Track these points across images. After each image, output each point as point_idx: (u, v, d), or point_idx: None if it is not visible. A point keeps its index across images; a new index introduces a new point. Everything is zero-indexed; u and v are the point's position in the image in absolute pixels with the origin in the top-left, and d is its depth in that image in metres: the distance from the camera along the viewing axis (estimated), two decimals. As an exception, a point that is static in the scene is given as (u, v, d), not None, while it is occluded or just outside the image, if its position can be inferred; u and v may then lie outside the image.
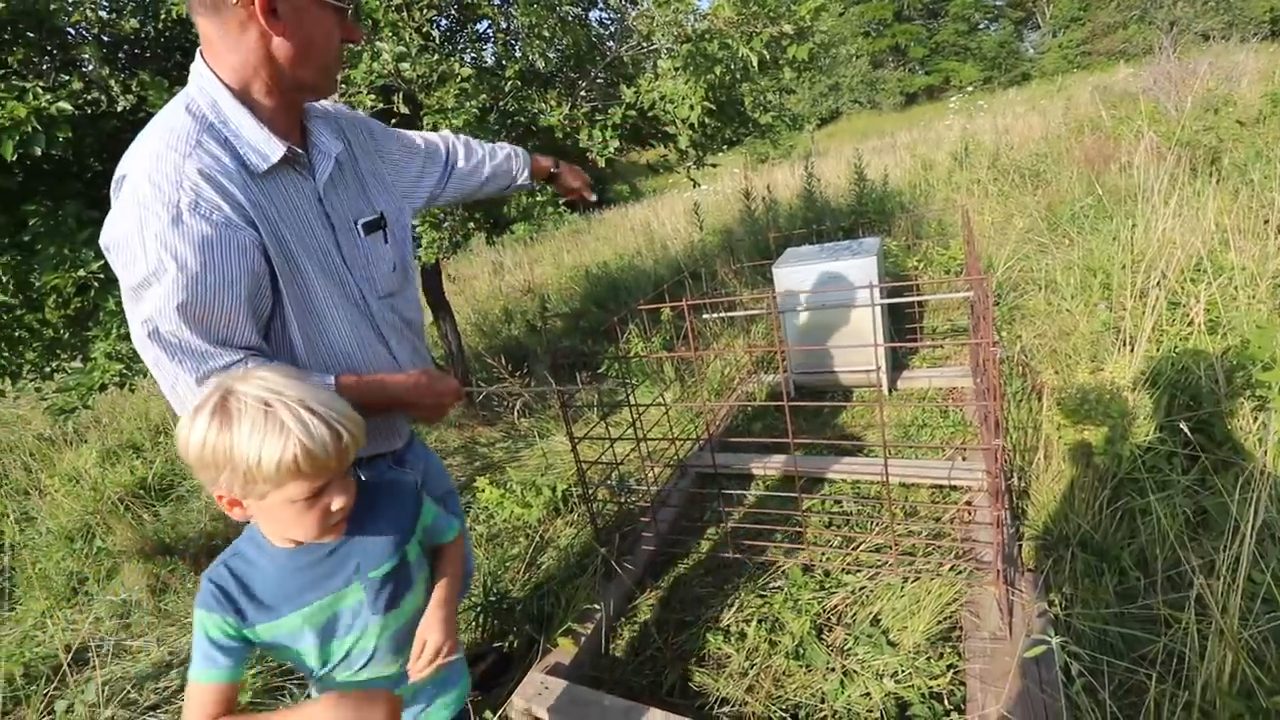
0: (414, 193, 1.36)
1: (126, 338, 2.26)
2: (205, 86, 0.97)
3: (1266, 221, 3.26)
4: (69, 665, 2.11)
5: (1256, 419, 2.09)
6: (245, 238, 0.94)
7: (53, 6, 2.10)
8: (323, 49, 1.00)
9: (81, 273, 2.08)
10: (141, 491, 3.68)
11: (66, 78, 2.24)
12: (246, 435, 0.79)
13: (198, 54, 0.98)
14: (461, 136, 1.49)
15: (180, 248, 0.88)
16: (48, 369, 2.60)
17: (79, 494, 3.63)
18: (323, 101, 1.19)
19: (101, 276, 2.12)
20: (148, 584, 2.75)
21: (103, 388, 2.35)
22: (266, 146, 0.98)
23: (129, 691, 2.09)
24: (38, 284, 2.16)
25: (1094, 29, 32.53)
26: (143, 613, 2.59)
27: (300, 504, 0.87)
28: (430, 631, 1.04)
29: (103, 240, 0.93)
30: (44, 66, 2.25)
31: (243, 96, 0.98)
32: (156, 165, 0.90)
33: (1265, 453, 1.92)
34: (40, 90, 1.93)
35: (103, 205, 2.39)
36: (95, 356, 2.31)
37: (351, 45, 1.12)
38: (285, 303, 1.01)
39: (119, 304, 2.18)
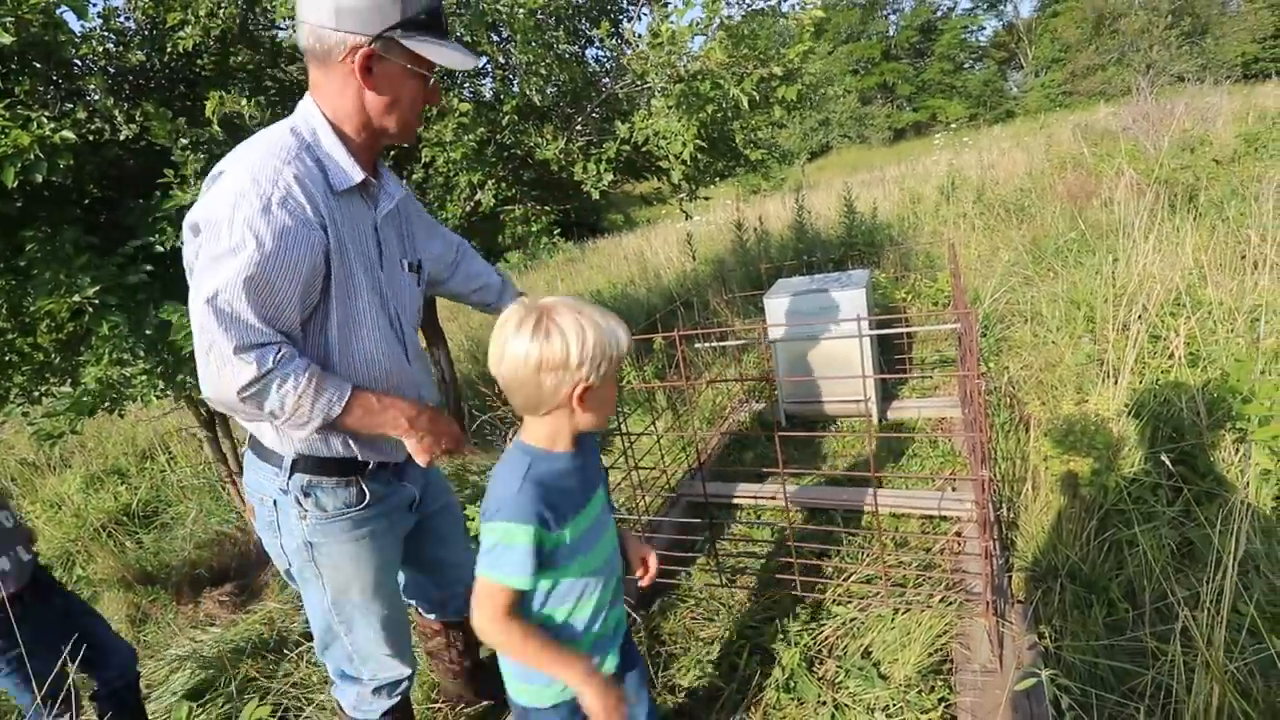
0: (435, 258, 1.53)
1: (118, 363, 2.26)
2: (309, 117, 1.16)
3: (1243, 257, 3.35)
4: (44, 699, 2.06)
5: (1238, 450, 2.12)
6: (316, 238, 1.09)
7: (61, 39, 2.15)
8: (405, 107, 1.19)
9: (76, 298, 2.08)
10: (125, 518, 3.63)
11: (71, 107, 2.28)
12: (603, 323, 0.97)
13: (308, 92, 1.19)
14: (474, 250, 1.66)
15: (263, 231, 1.02)
16: (36, 393, 2.58)
17: (61, 520, 3.57)
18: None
19: (96, 302, 2.12)
20: (128, 614, 2.70)
21: (91, 412, 2.34)
22: (350, 171, 1.16)
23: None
24: (31, 308, 2.17)
25: (1074, 70, 33.61)
26: (122, 643, 2.54)
27: (613, 384, 1.04)
28: (644, 551, 1.29)
29: (190, 219, 1.08)
30: (49, 96, 2.29)
31: (337, 130, 1.17)
32: (259, 165, 1.06)
33: (1246, 484, 1.95)
34: (45, 120, 1.96)
35: (99, 231, 2.40)
36: (85, 381, 2.30)
37: (432, 106, 1.32)
38: (332, 304, 1.15)
39: (113, 329, 2.19)
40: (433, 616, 1.71)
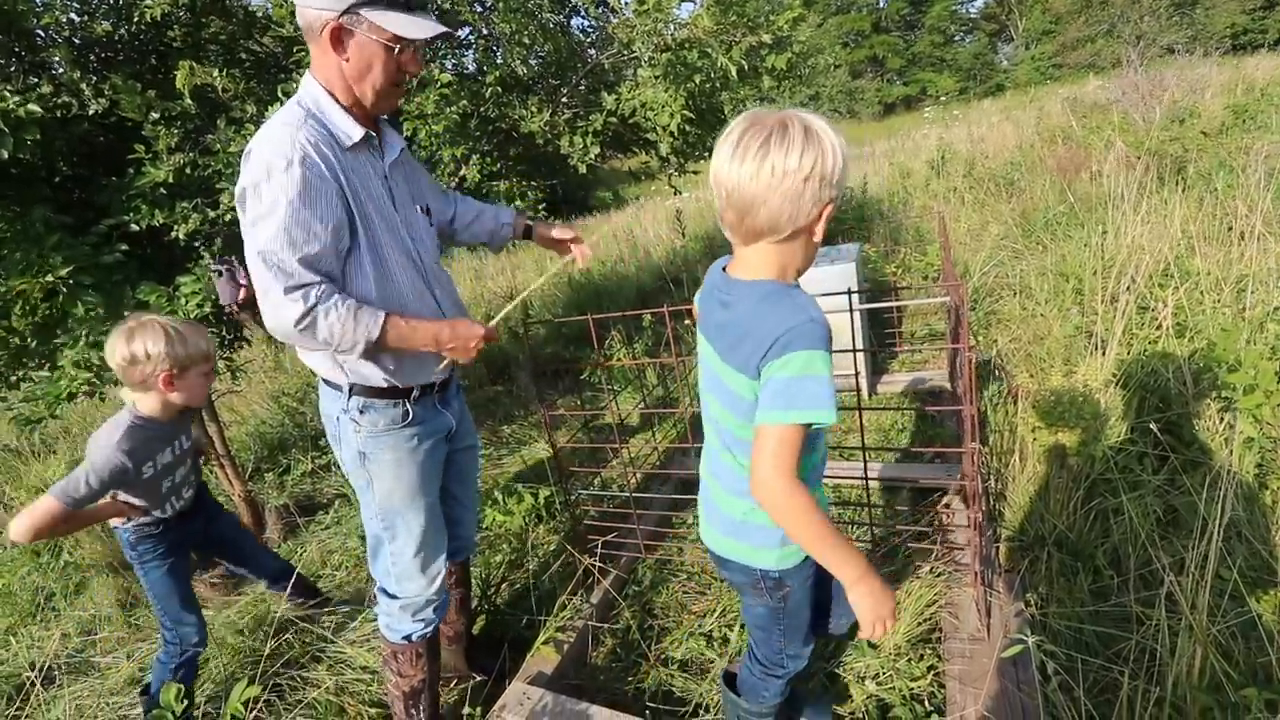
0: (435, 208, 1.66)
1: (95, 345, 2.21)
2: (309, 89, 1.33)
3: (1230, 228, 3.36)
4: (35, 684, 2.05)
5: (1223, 419, 2.15)
6: (332, 190, 1.26)
7: (21, 8, 2.06)
8: (378, 75, 1.31)
9: (49, 278, 2.03)
10: (112, 503, 3.59)
11: (36, 80, 2.20)
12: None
13: (308, 69, 1.36)
14: (458, 194, 1.79)
15: (290, 189, 1.20)
16: (13, 378, 2.53)
17: (46, 506, 3.53)
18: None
19: (70, 282, 2.07)
20: (117, 599, 2.68)
21: (70, 397, 2.29)
22: (351, 129, 1.33)
23: (97, 710, 2.03)
24: (3, 290, 2.11)
25: (1064, 42, 33.38)
26: (112, 628, 2.53)
27: None
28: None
29: (237, 193, 1.25)
30: (12, 69, 2.20)
31: (333, 96, 1.33)
32: (277, 136, 1.23)
33: (1231, 452, 1.97)
34: (8, 93, 1.88)
35: (72, 210, 2.34)
36: (63, 365, 2.25)
37: (410, 75, 1.37)
38: (361, 246, 1.33)
39: (88, 311, 2.13)
40: None
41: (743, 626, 1.88)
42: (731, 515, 1.12)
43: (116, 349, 1.53)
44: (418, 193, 1.54)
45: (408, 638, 1.57)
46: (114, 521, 1.72)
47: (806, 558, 1.11)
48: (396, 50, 1.29)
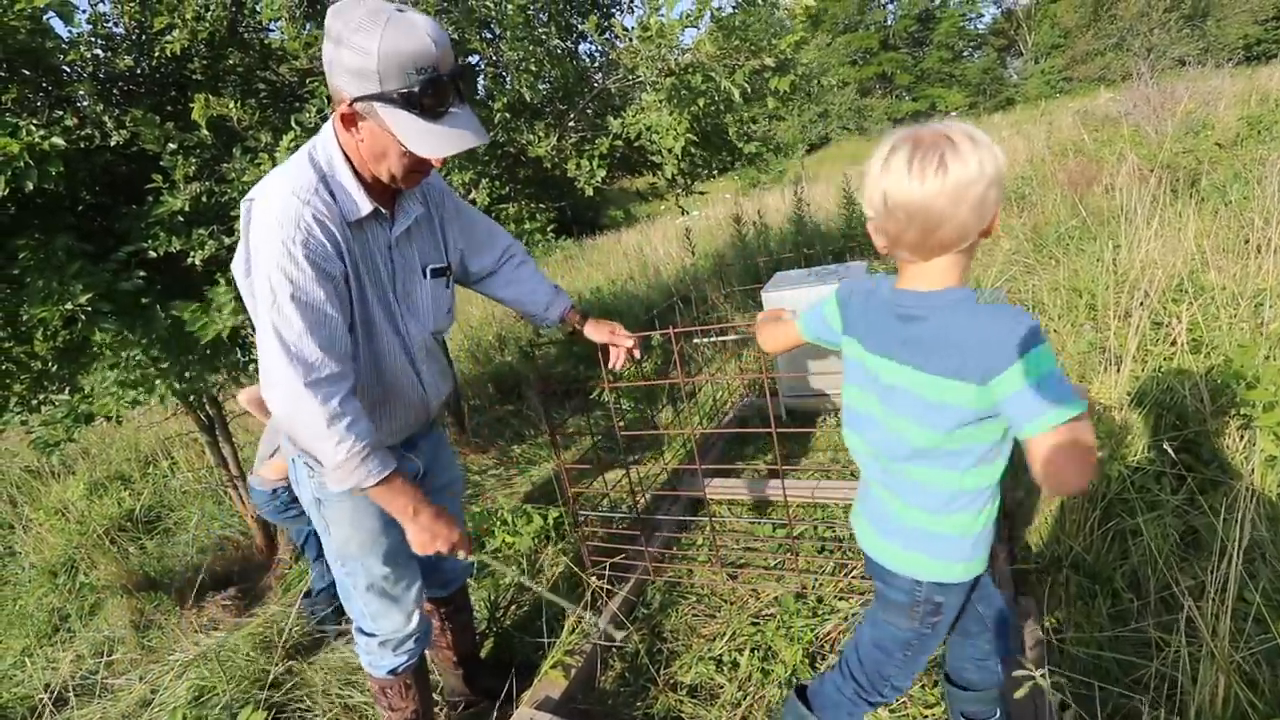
0: (474, 259, 1.59)
1: (114, 365, 2.26)
2: (327, 145, 1.23)
3: (1246, 241, 3.31)
4: (47, 706, 2.07)
5: (1242, 437, 2.10)
6: (336, 269, 1.19)
7: (49, 45, 2.14)
8: (393, 163, 1.20)
9: (69, 305, 2.08)
10: (128, 524, 3.64)
11: (60, 114, 2.27)
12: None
13: (331, 117, 1.24)
14: (528, 256, 1.69)
15: (294, 272, 1.12)
16: (35, 401, 2.58)
17: (64, 527, 3.58)
18: None
19: (89, 310, 2.12)
20: (131, 620, 2.70)
21: (89, 419, 2.34)
22: (360, 203, 1.23)
23: (108, 732, 2.04)
24: (25, 316, 2.16)
25: (1074, 56, 33.38)
26: (126, 650, 2.54)
27: None
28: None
29: (236, 261, 1.22)
30: (38, 103, 2.28)
31: (349, 162, 1.23)
32: (283, 207, 1.14)
33: (1251, 471, 1.93)
34: (34, 127, 1.95)
35: (93, 238, 2.40)
36: (87, 388, 2.30)
37: (427, 169, 1.27)
38: (356, 324, 1.26)
39: (114, 336, 2.18)
40: (428, 593, 1.72)
41: (753, 650, 1.85)
42: (919, 527, 1.12)
43: None
44: (438, 252, 1.45)
45: (393, 671, 1.55)
46: (267, 479, 2.07)
47: (977, 576, 1.14)
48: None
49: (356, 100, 1.12)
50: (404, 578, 1.50)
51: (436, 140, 1.13)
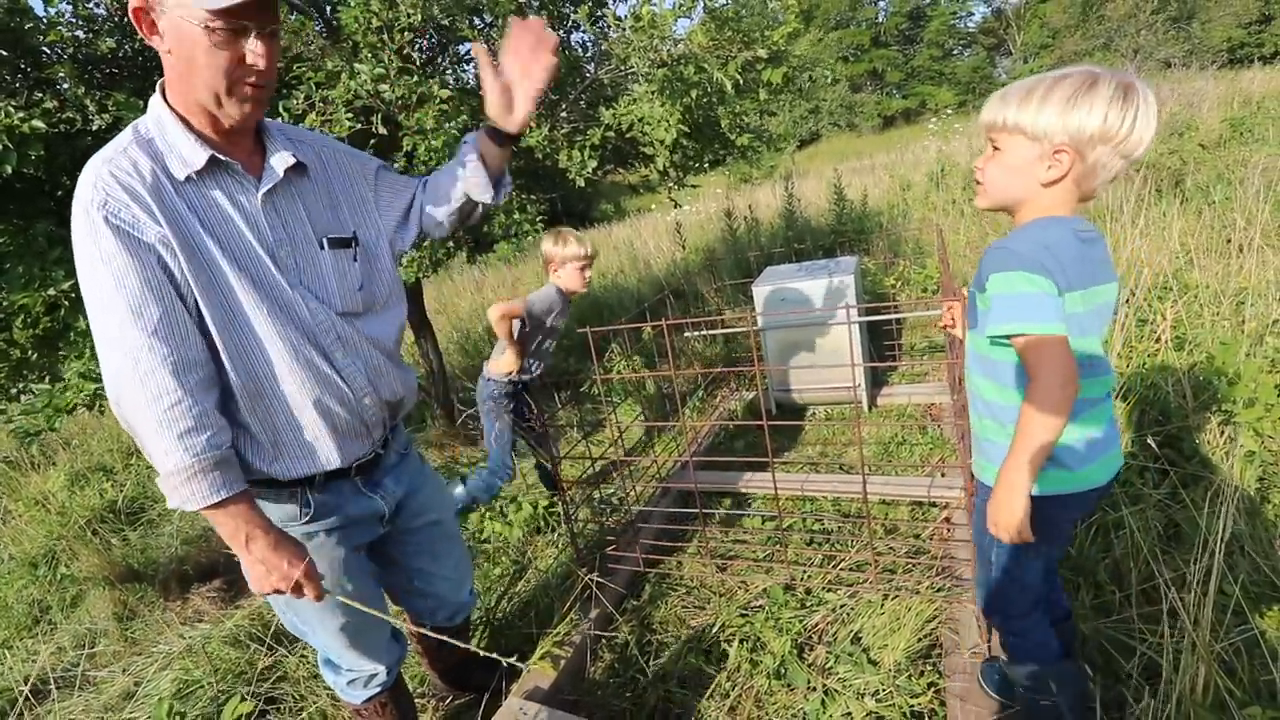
0: (394, 223, 1.33)
1: (79, 356, 2.22)
2: (154, 105, 1.07)
3: (1228, 241, 3.36)
4: (27, 698, 2.04)
5: (1223, 433, 2.14)
6: (149, 233, 0.99)
7: (27, 26, 2.09)
8: (204, 70, 0.98)
9: (51, 291, 2.04)
10: (110, 515, 3.59)
11: (40, 96, 2.22)
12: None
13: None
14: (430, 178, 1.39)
15: (98, 240, 0.97)
16: (14, 390, 2.53)
17: (44, 519, 3.52)
18: (307, 129, 1.26)
19: (72, 295, 2.08)
20: (114, 611, 2.67)
21: (72, 409, 2.30)
22: (190, 156, 1.04)
23: (91, 725, 2.02)
24: (5, 303, 2.12)
25: (1062, 56, 33.60)
26: (108, 641, 2.51)
27: None
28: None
29: None
30: (17, 85, 2.23)
31: (172, 109, 1.05)
32: (86, 174, 1.00)
33: (1232, 466, 1.96)
34: (13, 109, 1.90)
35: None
36: (67, 376, 2.26)
37: (255, 71, 1.01)
38: (201, 305, 1.03)
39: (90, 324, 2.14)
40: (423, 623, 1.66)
41: (742, 641, 1.87)
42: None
43: (543, 244, 2.37)
44: (336, 221, 1.20)
45: (368, 700, 1.48)
46: (492, 372, 2.41)
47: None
48: (218, 31, 0.95)
49: None
50: (368, 622, 1.33)
51: None
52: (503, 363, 2.37)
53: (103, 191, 0.97)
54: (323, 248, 1.17)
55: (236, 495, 1.03)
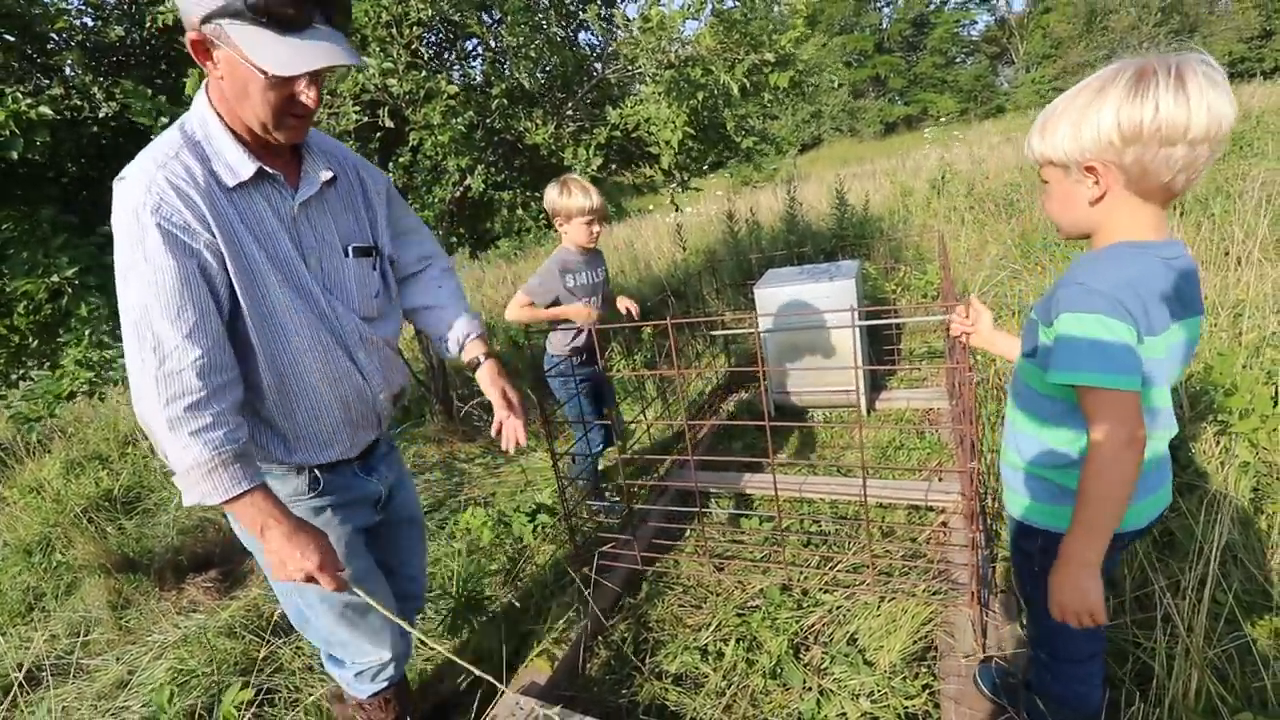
0: (392, 236, 1.40)
1: (99, 345, 2.22)
2: (200, 107, 1.10)
3: (1227, 253, 3.39)
4: (20, 685, 2.03)
5: (1219, 443, 2.15)
6: (199, 240, 1.03)
7: (36, 12, 2.09)
8: (257, 102, 1.04)
9: (55, 278, 2.04)
10: (106, 504, 3.58)
11: (48, 83, 2.22)
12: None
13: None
14: (450, 270, 1.49)
15: (146, 243, 1.00)
16: (14, 376, 2.53)
17: (40, 506, 3.51)
18: (331, 137, 1.33)
19: (76, 282, 2.08)
20: (108, 600, 2.66)
21: (70, 396, 2.30)
22: (238, 166, 1.09)
23: (83, 713, 2.02)
24: (8, 289, 2.12)
25: (1065, 66, 33.73)
26: (103, 629, 2.51)
27: None
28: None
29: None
30: (24, 71, 2.23)
31: (221, 119, 1.09)
32: (138, 173, 1.02)
33: (1227, 476, 1.98)
34: (20, 95, 1.90)
35: (79, 210, 2.35)
36: (65, 364, 2.25)
37: (304, 106, 1.07)
38: (243, 306, 1.09)
39: (91, 311, 2.14)
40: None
41: (738, 641, 1.87)
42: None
43: (547, 193, 2.26)
44: (362, 232, 1.28)
45: (375, 694, 1.49)
46: (553, 350, 2.41)
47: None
48: (271, 80, 1.01)
49: (204, 21, 0.97)
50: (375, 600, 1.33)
51: (292, 54, 0.97)
52: (554, 340, 2.43)
53: (156, 196, 1.00)
54: (347, 255, 1.25)
55: (255, 486, 1.07)
